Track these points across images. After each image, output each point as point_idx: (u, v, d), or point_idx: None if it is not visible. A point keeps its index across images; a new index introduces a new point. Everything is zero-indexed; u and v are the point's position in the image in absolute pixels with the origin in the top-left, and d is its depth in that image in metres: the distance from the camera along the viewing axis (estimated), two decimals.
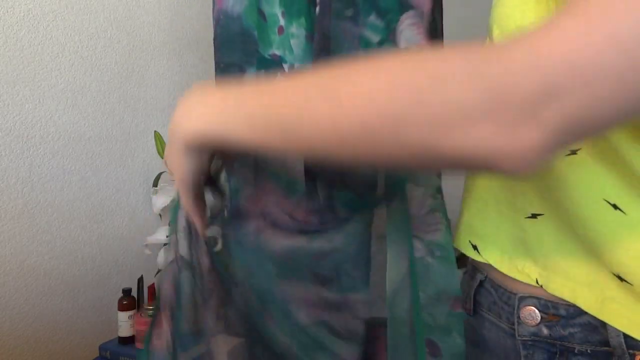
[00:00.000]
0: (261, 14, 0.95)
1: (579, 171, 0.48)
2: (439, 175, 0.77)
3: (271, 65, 0.99)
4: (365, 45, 0.86)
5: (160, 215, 1.47)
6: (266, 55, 0.98)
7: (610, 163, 0.46)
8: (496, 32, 0.55)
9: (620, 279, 0.47)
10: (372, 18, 0.85)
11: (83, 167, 1.35)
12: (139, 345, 1.29)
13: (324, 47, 0.86)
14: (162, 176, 1.50)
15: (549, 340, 0.52)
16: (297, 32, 0.96)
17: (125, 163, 1.46)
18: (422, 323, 0.63)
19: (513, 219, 0.56)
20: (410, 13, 0.86)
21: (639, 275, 0.46)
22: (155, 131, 1.49)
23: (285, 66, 0.97)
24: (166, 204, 1.42)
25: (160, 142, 1.48)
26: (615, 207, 0.46)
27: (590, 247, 0.49)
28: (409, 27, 0.85)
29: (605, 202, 0.47)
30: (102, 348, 1.31)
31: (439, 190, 0.74)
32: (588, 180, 0.48)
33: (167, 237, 1.38)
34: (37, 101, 1.23)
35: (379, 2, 0.86)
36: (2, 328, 1.17)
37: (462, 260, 0.66)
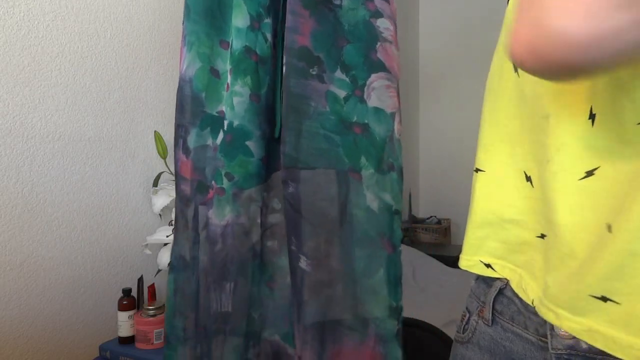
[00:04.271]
0: (214, 72, 0.94)
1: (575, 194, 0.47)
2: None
3: (217, 122, 0.96)
4: (333, 101, 0.88)
5: (160, 215, 1.47)
6: (214, 113, 0.96)
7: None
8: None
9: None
10: (338, 74, 0.87)
11: (83, 167, 1.35)
12: (139, 345, 1.29)
13: (292, 105, 0.86)
14: (162, 176, 1.50)
15: (588, 355, 0.48)
16: (241, 90, 0.94)
17: (125, 163, 1.46)
18: None
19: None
20: (382, 74, 0.88)
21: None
22: (155, 131, 1.49)
23: (225, 122, 0.95)
24: (166, 204, 1.42)
25: (160, 142, 1.48)
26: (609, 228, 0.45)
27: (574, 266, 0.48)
28: (383, 88, 0.88)
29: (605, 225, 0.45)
30: (102, 348, 1.31)
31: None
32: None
33: (167, 236, 1.38)
34: (37, 101, 1.23)
35: (344, 58, 0.87)
36: (2, 328, 1.17)
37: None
